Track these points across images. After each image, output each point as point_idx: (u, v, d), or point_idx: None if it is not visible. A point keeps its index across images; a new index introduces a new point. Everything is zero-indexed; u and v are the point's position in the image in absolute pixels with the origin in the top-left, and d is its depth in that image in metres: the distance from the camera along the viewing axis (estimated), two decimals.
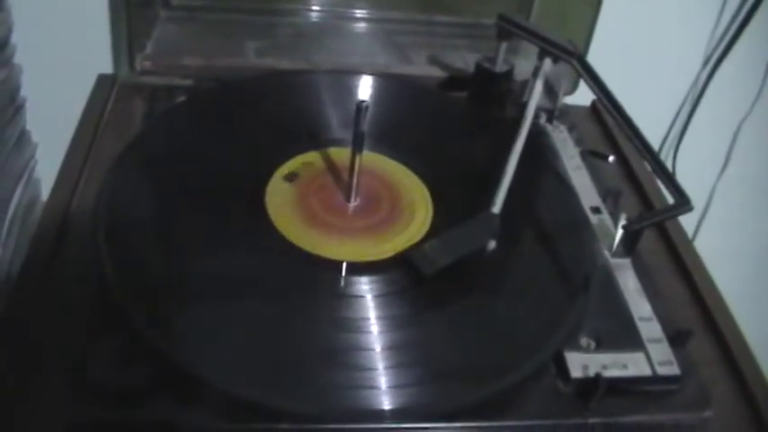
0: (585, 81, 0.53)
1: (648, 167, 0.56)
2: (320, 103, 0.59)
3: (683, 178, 0.50)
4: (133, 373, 0.38)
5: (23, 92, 0.68)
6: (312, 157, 0.54)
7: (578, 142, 0.60)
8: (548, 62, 0.55)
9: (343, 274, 0.45)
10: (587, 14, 0.66)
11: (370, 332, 0.42)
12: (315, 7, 0.73)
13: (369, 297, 0.44)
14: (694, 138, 0.84)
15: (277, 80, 0.62)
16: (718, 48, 0.79)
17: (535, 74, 0.56)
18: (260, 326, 0.41)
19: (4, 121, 0.64)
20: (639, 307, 0.46)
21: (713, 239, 0.80)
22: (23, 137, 0.68)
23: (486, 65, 0.62)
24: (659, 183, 0.54)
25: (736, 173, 0.88)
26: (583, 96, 0.66)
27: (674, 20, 0.76)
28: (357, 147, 0.48)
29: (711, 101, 0.81)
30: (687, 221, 0.56)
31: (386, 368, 0.40)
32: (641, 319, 0.45)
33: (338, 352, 0.40)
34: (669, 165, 0.83)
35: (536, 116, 0.57)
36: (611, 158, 0.60)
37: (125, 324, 0.39)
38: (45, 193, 0.71)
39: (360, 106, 0.47)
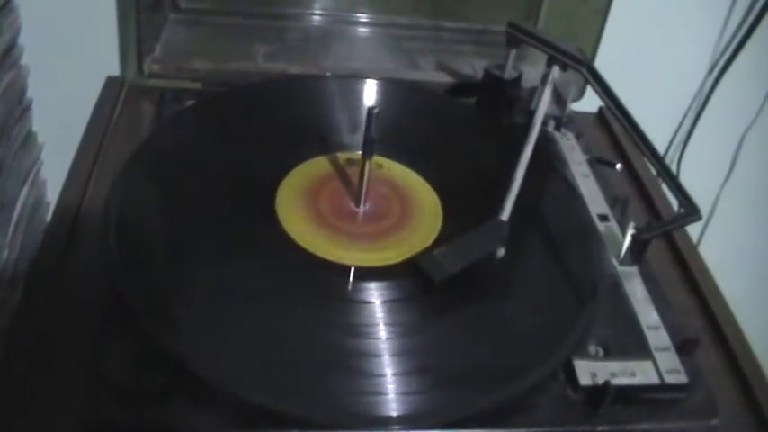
0: (594, 89, 0.53)
1: (655, 174, 0.56)
2: (330, 107, 0.59)
3: (687, 185, 0.50)
4: (144, 375, 0.38)
5: (30, 93, 0.68)
6: (321, 161, 0.54)
7: (586, 150, 0.60)
8: (556, 70, 0.55)
9: (352, 279, 0.45)
10: (594, 22, 0.66)
11: (379, 338, 0.42)
12: (323, 12, 0.73)
13: (377, 303, 0.44)
14: (699, 145, 0.84)
15: (286, 85, 0.63)
16: (724, 56, 0.79)
17: (544, 81, 0.56)
18: (269, 330, 0.41)
19: (11, 122, 0.64)
20: (647, 315, 0.46)
21: (717, 246, 0.80)
22: (30, 138, 0.68)
23: (495, 71, 0.62)
24: (665, 189, 0.55)
25: (741, 180, 0.89)
26: (588, 103, 0.66)
27: (679, 28, 0.76)
28: (367, 152, 0.48)
29: (716, 108, 0.82)
30: (691, 228, 0.57)
31: (394, 375, 0.40)
32: (649, 327, 0.45)
33: (347, 358, 0.41)
34: (673, 172, 0.84)
35: (544, 123, 0.57)
36: (618, 166, 0.60)
37: (135, 326, 0.39)
38: (50, 194, 0.71)
39: (371, 112, 0.47)
